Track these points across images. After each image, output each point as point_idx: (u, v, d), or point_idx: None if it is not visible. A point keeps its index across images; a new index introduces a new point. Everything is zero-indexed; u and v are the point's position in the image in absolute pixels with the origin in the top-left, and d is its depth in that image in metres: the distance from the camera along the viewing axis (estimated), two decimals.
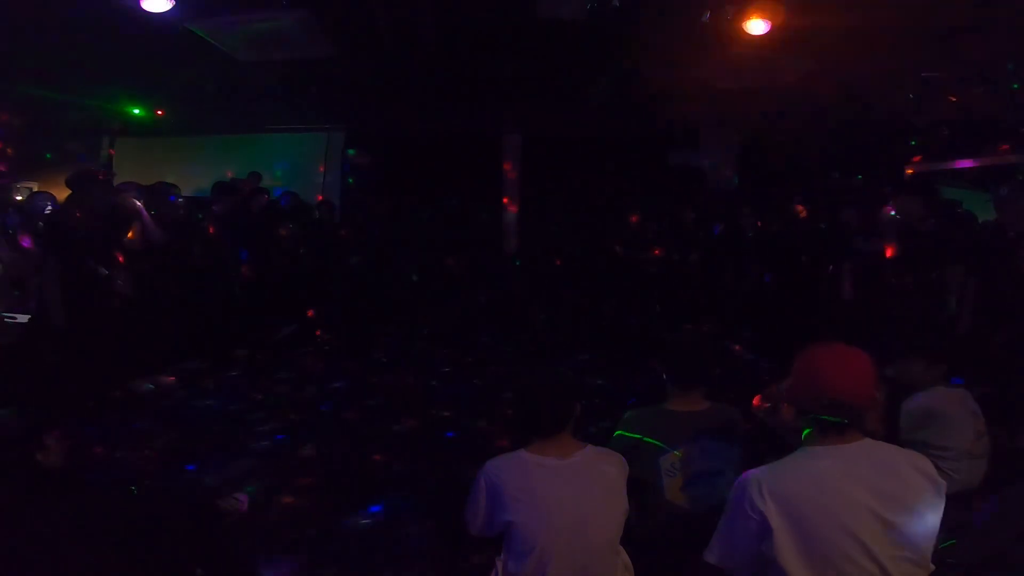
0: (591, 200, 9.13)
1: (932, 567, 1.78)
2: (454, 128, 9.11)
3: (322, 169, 9.97)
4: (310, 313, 7.37)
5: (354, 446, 4.44)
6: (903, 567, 1.73)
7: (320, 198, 9.06)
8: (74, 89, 7.40)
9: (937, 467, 1.89)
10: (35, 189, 7.57)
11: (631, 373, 5.87)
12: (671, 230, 8.26)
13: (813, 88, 6.86)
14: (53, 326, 4.83)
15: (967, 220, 6.10)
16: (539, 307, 8.31)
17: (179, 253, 5.91)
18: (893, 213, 5.56)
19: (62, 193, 5.65)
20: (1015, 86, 6.23)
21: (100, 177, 5.72)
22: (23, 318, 5.26)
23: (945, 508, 1.81)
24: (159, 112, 8.81)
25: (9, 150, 7.78)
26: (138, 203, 5.47)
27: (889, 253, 5.43)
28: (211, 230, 6.34)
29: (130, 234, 5.41)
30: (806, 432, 1.91)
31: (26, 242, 5.76)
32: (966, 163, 8.02)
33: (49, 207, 6.08)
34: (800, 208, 7.33)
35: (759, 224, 7.70)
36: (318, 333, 7.25)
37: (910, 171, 8.50)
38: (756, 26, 5.22)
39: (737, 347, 6.93)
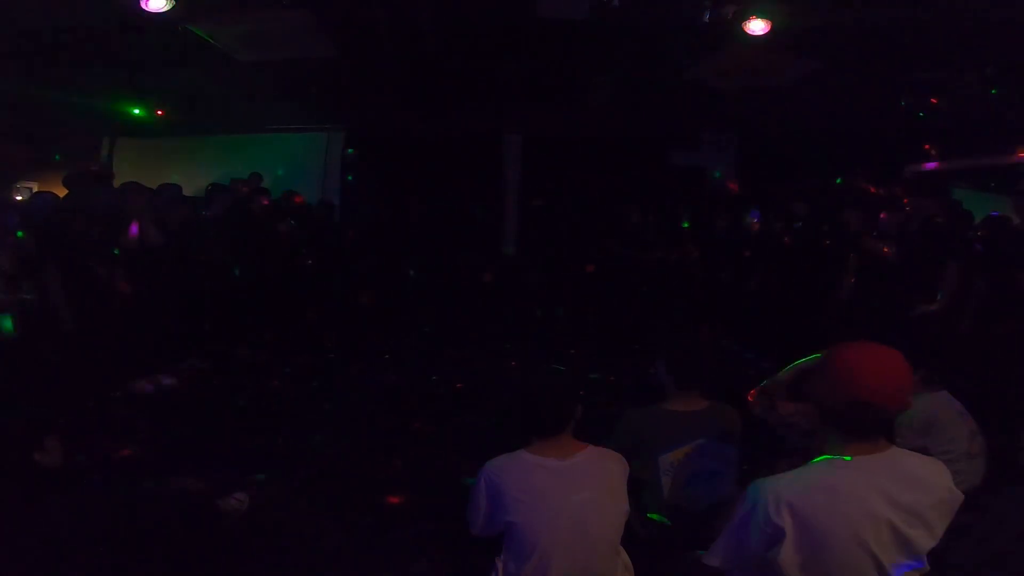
0: (591, 200, 9.13)
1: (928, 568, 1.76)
2: (454, 128, 9.10)
3: (322, 169, 9.97)
4: (310, 313, 7.37)
5: (355, 446, 4.44)
6: None
7: (320, 198, 9.07)
8: (74, 89, 7.40)
9: None
10: (35, 189, 7.57)
11: (631, 373, 5.86)
12: (671, 230, 8.25)
13: (813, 88, 6.87)
14: (60, 327, 4.82)
15: (967, 219, 6.11)
16: (539, 307, 8.30)
17: (178, 253, 5.90)
18: (902, 213, 5.56)
19: (62, 193, 5.65)
20: (993, 91, 6.23)
21: (99, 177, 5.71)
22: None
23: None
24: (159, 112, 8.80)
25: (10, 150, 7.77)
26: (138, 203, 5.47)
27: (889, 253, 5.44)
28: (210, 231, 6.33)
29: (129, 234, 5.41)
30: (830, 439, 1.77)
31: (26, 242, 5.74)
32: (968, 163, 8.01)
33: (49, 208, 6.06)
34: (800, 208, 7.32)
35: (759, 224, 7.70)
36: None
37: (912, 171, 8.49)
38: (756, 26, 5.23)
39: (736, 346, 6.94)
